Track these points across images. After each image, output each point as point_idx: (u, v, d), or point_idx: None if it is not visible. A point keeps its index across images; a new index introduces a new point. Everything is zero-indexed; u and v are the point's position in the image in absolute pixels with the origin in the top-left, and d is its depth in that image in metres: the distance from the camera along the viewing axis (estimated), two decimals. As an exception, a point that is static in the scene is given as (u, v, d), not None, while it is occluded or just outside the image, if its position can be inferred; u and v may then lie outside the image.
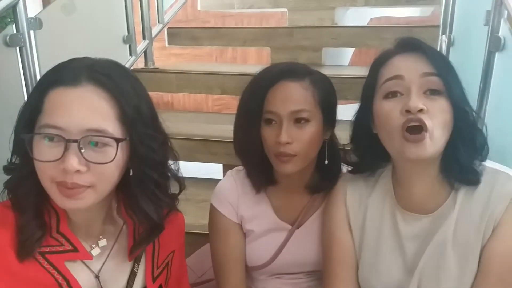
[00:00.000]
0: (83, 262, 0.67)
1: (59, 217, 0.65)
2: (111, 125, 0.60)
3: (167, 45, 2.32)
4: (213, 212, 0.94)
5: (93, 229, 0.69)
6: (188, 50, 3.30)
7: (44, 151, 0.58)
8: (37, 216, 0.63)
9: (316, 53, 2.07)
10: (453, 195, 0.73)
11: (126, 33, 1.84)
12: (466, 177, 0.72)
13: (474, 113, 0.72)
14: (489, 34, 1.11)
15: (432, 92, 0.68)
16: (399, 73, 0.69)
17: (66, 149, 0.57)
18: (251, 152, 0.87)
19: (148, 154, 0.64)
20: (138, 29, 1.95)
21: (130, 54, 1.87)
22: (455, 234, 0.72)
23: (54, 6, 1.44)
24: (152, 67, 2.03)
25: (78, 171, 0.57)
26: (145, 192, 0.66)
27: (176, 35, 2.28)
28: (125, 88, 0.62)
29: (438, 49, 1.60)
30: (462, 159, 0.71)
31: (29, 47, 1.24)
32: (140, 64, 2.02)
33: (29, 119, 0.61)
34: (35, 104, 0.60)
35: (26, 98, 1.25)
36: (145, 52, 1.99)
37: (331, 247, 0.83)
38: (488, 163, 0.74)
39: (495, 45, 1.08)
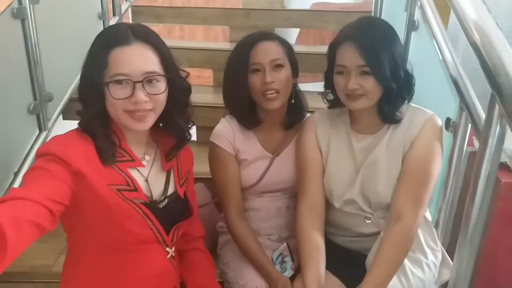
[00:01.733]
0: (137, 169, 0.94)
1: (120, 138, 0.91)
2: (158, 67, 0.88)
3: (131, 22, 2.49)
4: (214, 148, 1.22)
5: (140, 147, 0.96)
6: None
7: (118, 92, 0.84)
8: (107, 138, 0.89)
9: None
10: (388, 124, 1.10)
11: (100, 10, 2.00)
12: (389, 119, 1.08)
13: (403, 76, 1.04)
14: (407, 18, 1.49)
15: (364, 74, 1.01)
16: (344, 63, 1.03)
17: (134, 88, 0.84)
18: (241, 99, 1.17)
19: (179, 83, 0.93)
20: (109, 6, 2.11)
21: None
22: (387, 148, 1.09)
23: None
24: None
25: (145, 101, 0.84)
26: (178, 110, 0.95)
27: (140, 12, 2.46)
28: (159, 41, 0.90)
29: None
30: (387, 110, 1.07)
31: (30, 19, 1.42)
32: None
33: (98, 73, 0.85)
34: (100, 62, 0.84)
35: (28, 64, 1.44)
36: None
37: (305, 162, 1.16)
38: (412, 104, 1.11)
39: (411, 26, 1.46)
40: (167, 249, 0.99)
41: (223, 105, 1.25)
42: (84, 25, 1.88)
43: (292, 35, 3.10)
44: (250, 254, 1.17)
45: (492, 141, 0.84)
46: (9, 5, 1.36)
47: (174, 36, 3.85)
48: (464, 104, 1.07)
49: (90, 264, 0.93)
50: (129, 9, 2.39)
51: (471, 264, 0.99)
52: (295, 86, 1.22)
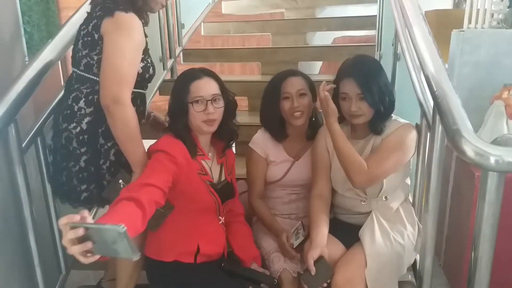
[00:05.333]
0: (205, 161, 1.45)
1: (195, 141, 1.43)
2: (218, 90, 1.40)
3: (182, 62, 3.05)
4: (251, 151, 1.70)
5: (206, 147, 1.47)
6: (197, 66, 4.06)
7: (198, 107, 1.36)
8: (192, 141, 1.40)
9: (294, 65, 2.81)
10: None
11: (161, 54, 2.57)
12: (376, 131, 1.50)
13: (387, 100, 1.46)
14: (393, 51, 1.93)
15: (361, 99, 1.44)
16: (346, 92, 1.46)
17: (206, 105, 1.36)
18: (274, 118, 1.64)
19: (229, 100, 1.45)
20: (166, 51, 2.68)
21: (163, 69, 2.59)
22: (373, 148, 1.50)
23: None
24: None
25: (213, 112, 1.36)
26: (230, 118, 1.47)
27: (189, 54, 3.01)
28: (216, 75, 1.43)
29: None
30: (375, 124, 1.49)
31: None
32: (167, 76, 2.75)
33: (183, 98, 1.37)
34: (184, 91, 1.37)
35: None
36: (171, 68, 2.74)
37: (317, 160, 1.60)
38: (394, 117, 1.53)
39: (396, 57, 1.90)
40: (220, 217, 1.49)
41: (256, 124, 1.72)
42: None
43: (316, 66, 3.60)
44: (264, 220, 1.66)
45: (436, 136, 1.27)
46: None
47: (216, 71, 4.43)
48: (423, 112, 1.48)
49: (174, 222, 1.41)
50: (181, 52, 2.98)
51: (433, 229, 1.38)
52: (314, 108, 1.67)
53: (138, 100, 1.44)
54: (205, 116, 1.37)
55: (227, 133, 1.50)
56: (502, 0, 2.38)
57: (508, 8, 2.39)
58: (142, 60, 1.38)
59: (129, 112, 1.27)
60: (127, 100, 1.27)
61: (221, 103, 1.40)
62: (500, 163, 1.00)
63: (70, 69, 1.43)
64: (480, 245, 1.12)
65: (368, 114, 1.46)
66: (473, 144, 1.03)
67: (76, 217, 0.89)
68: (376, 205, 1.53)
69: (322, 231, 1.46)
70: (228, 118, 1.46)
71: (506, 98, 1.78)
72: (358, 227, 1.52)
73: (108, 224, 0.89)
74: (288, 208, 1.72)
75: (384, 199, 1.52)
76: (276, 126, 1.66)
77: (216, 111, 1.38)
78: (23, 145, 1.36)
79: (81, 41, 1.36)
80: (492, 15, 2.40)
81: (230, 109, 1.47)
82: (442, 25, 3.48)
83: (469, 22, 2.44)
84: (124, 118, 1.26)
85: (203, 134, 1.43)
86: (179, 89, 1.40)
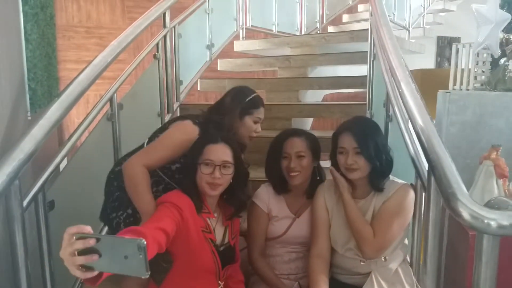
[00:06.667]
0: (210, 220, 1.46)
1: (202, 199, 1.45)
2: (230, 158, 1.43)
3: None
4: (253, 206, 1.72)
5: (212, 207, 1.48)
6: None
7: (205, 169, 1.40)
8: (199, 198, 1.42)
9: (288, 121, 2.94)
10: (373, 192, 1.56)
11: (159, 109, 2.65)
12: (376, 188, 1.55)
13: (384, 157, 1.53)
14: (385, 112, 2.02)
15: (357, 154, 1.51)
16: (344, 146, 1.54)
17: (214, 169, 1.40)
18: (275, 174, 1.69)
19: (242, 169, 1.48)
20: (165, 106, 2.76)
21: (161, 124, 2.64)
22: (374, 209, 1.54)
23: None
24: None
25: (219, 178, 1.39)
26: (239, 187, 1.49)
27: (186, 109, 3.06)
28: (234, 143, 1.47)
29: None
30: (375, 181, 1.55)
31: (117, 121, 2.05)
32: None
33: (195, 157, 1.42)
34: (198, 152, 1.42)
35: (114, 153, 2.03)
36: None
37: (316, 219, 1.63)
38: (391, 177, 1.58)
39: (388, 118, 1.99)
40: (219, 281, 1.46)
41: (251, 179, 1.74)
42: (149, 122, 2.52)
43: (308, 122, 3.70)
44: (267, 279, 1.63)
45: (432, 197, 1.31)
46: (106, 111, 2.00)
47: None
48: (418, 173, 1.53)
49: (169, 282, 1.39)
50: (178, 107, 3.05)
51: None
52: (318, 166, 1.72)
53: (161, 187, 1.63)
54: (211, 179, 1.40)
55: (236, 200, 1.52)
56: (484, 63, 2.55)
57: (489, 70, 2.56)
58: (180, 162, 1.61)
59: (136, 169, 1.49)
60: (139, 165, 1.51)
61: (230, 171, 1.44)
62: (495, 227, 1.03)
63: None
64: (479, 305, 1.13)
65: (364, 169, 1.51)
66: (469, 208, 1.07)
67: (87, 228, 0.87)
68: (375, 265, 1.54)
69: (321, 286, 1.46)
70: (237, 186, 1.49)
71: (494, 158, 1.85)
72: None
73: (126, 237, 0.86)
74: (287, 268, 1.71)
75: (383, 259, 1.53)
76: (278, 181, 1.71)
77: (223, 177, 1.41)
78: (25, 203, 1.36)
79: None
80: (476, 78, 2.55)
81: (240, 178, 1.50)
82: (427, 84, 3.67)
83: (454, 84, 2.59)
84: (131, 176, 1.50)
85: (207, 195, 1.46)
86: (195, 148, 1.46)
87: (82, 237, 0.85)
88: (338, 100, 4.25)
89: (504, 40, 2.63)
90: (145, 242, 0.82)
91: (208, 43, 3.37)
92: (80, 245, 0.84)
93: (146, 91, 2.48)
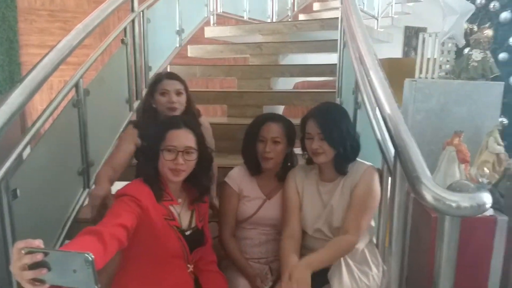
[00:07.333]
0: (174, 206, 1.45)
1: (164, 186, 1.43)
2: (193, 144, 1.42)
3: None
4: (224, 185, 1.73)
5: (175, 193, 1.47)
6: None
7: (168, 155, 1.38)
8: (158, 185, 1.40)
9: (259, 108, 2.95)
10: (340, 175, 1.61)
11: (127, 96, 2.59)
12: (340, 172, 1.60)
13: (349, 143, 1.57)
14: (354, 99, 2.06)
15: (322, 139, 1.55)
16: (310, 131, 1.57)
17: (177, 155, 1.38)
18: (251, 156, 1.71)
19: (206, 154, 1.46)
20: (133, 93, 2.70)
21: (130, 110, 2.59)
22: (341, 191, 1.59)
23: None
24: (142, 119, 2.76)
25: (182, 164, 1.37)
26: (203, 172, 1.48)
27: (155, 96, 3.06)
28: (196, 127, 1.45)
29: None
30: (338, 165, 1.60)
31: (83, 107, 1.99)
32: (133, 117, 2.74)
33: (157, 143, 1.39)
34: (160, 137, 1.39)
35: (80, 139, 1.98)
36: (137, 109, 2.74)
37: (288, 202, 1.66)
38: (358, 160, 1.63)
39: (357, 105, 2.03)
40: (188, 265, 1.46)
41: (222, 166, 1.78)
42: (117, 108, 2.46)
43: (279, 108, 3.72)
44: (236, 262, 1.66)
45: (398, 181, 1.35)
46: (71, 97, 1.94)
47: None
48: (384, 158, 1.57)
49: (137, 271, 1.39)
50: (147, 93, 2.99)
51: (398, 270, 1.44)
52: (291, 152, 1.75)
53: None
54: (173, 165, 1.38)
55: (199, 185, 1.51)
56: (449, 52, 2.63)
57: (454, 59, 2.64)
58: None
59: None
60: None
61: (193, 156, 1.42)
62: (457, 208, 1.08)
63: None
64: (440, 284, 1.18)
65: (328, 154, 1.56)
66: (432, 190, 1.11)
67: (35, 242, 0.87)
68: None
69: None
70: (200, 172, 1.48)
71: (457, 144, 1.93)
72: (326, 269, 1.55)
73: (73, 251, 0.87)
74: (258, 251, 1.73)
75: (350, 240, 1.57)
76: (253, 163, 1.73)
77: (186, 163, 1.40)
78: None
79: None
80: (441, 66, 2.63)
81: (204, 164, 1.49)
82: (394, 72, 3.75)
83: (420, 72, 2.66)
84: None
85: (170, 182, 1.44)
86: (156, 134, 1.42)
87: (30, 251, 0.85)
88: (309, 88, 4.29)
89: (468, 30, 2.71)
90: (92, 256, 0.83)
91: (178, 29, 3.31)
92: (28, 260, 0.85)
93: (114, 76, 2.41)
